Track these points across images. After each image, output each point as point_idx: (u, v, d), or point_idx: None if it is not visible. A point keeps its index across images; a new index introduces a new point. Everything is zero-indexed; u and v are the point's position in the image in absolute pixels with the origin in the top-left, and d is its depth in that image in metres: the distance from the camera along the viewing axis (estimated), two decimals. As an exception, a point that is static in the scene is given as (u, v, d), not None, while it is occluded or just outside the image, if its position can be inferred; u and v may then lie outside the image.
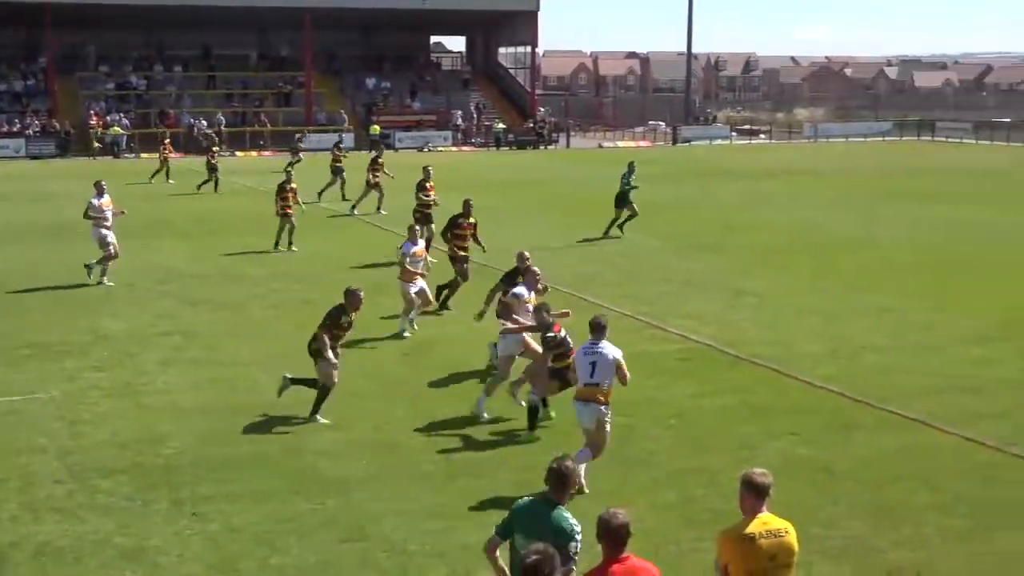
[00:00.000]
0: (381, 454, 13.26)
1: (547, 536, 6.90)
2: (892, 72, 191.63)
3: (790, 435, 13.76)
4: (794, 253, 28.07)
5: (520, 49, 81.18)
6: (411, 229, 20.41)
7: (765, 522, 7.23)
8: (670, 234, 30.97)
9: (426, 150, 63.48)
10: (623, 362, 11.85)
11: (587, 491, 11.18)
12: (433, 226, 26.44)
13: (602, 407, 11.80)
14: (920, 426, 14.27)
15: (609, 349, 11.85)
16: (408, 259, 19.35)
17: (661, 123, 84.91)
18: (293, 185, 28.39)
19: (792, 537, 7.26)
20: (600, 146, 73.22)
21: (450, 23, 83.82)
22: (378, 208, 35.14)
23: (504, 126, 71.44)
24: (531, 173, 51.26)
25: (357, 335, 19.44)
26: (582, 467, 11.09)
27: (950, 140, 77.65)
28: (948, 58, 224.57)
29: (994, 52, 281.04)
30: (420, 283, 19.45)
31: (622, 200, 30.68)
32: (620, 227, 30.51)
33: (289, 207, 27.97)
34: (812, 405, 15.29)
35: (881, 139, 79.34)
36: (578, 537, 7.18)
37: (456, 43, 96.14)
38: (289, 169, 31.14)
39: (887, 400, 15.23)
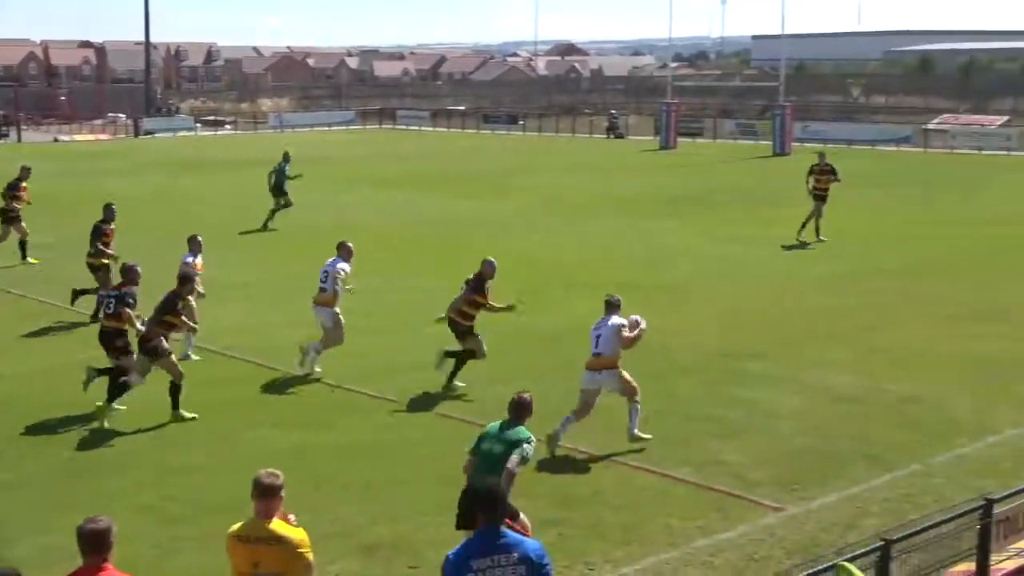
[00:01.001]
0: None
1: (506, 443, 9.01)
2: (353, 62, 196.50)
3: (271, 425, 13.85)
4: (273, 242, 28.24)
5: (-40, 37, 75.53)
6: (192, 240, 17.71)
7: (260, 527, 6.98)
8: (143, 227, 30.06)
9: None
10: (623, 328, 12.73)
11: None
12: (24, 224, 25.43)
13: (603, 373, 12.80)
14: (393, 404, 14.87)
15: (613, 321, 12.80)
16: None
17: (121, 115, 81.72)
18: None
19: (284, 548, 6.94)
20: (56, 140, 69.38)
21: None
22: None
23: (-55, 120, 66.15)
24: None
25: None
26: (563, 432, 12.72)
27: (410, 128, 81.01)
28: (405, 48, 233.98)
29: (446, 43, 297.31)
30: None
31: (279, 190, 30.81)
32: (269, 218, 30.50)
33: None
34: (294, 393, 15.49)
35: (345, 128, 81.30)
36: (532, 441, 9.15)
37: None
38: None
39: (364, 382, 15.72)
